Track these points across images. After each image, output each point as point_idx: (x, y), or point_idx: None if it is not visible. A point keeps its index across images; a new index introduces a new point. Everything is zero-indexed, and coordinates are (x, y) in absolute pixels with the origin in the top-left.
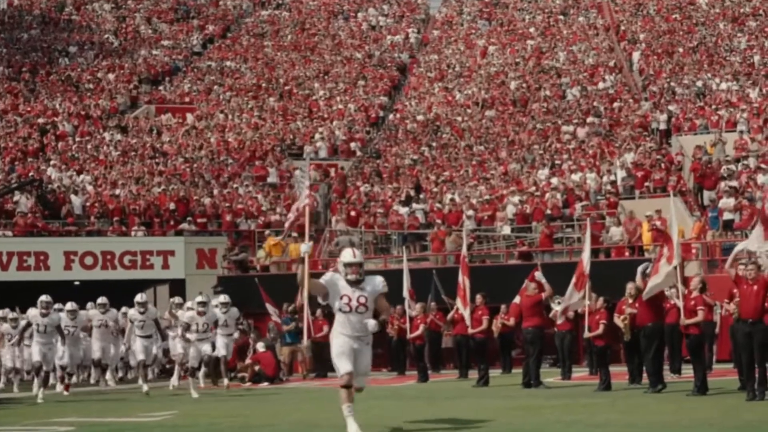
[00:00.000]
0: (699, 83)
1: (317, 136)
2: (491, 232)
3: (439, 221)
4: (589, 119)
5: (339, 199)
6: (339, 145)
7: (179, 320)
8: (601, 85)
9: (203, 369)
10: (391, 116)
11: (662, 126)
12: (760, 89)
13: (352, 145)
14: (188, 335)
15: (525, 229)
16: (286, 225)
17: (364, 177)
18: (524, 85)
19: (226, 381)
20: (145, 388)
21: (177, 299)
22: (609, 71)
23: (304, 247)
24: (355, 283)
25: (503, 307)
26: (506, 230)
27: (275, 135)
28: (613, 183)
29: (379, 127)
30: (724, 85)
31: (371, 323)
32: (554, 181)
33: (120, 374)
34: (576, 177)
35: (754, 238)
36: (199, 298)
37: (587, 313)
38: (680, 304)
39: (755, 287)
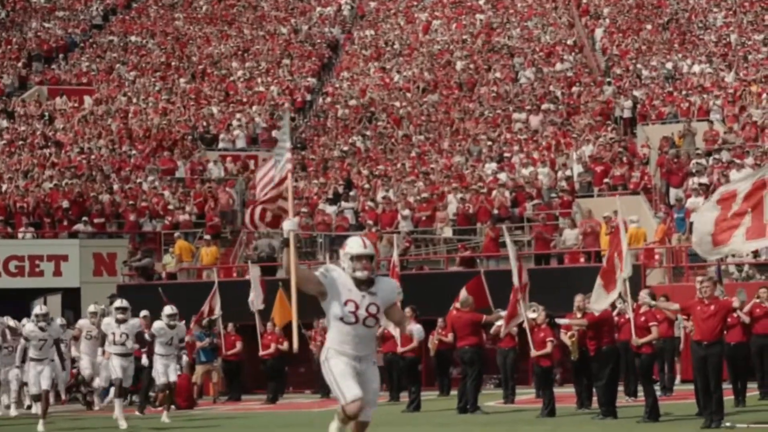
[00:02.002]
0: (669, 65)
1: (234, 123)
2: (430, 235)
3: (371, 222)
4: (544, 106)
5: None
6: (259, 133)
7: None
8: (558, 66)
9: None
10: (319, 101)
11: (626, 114)
12: (736, 72)
13: (274, 133)
14: (108, 348)
15: (468, 232)
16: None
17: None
18: (472, 66)
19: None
20: (41, 428)
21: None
22: (568, 51)
23: (288, 224)
24: (364, 285)
25: (440, 321)
26: (447, 232)
27: (186, 122)
28: (569, 179)
29: (305, 114)
30: (696, 68)
31: (416, 328)
32: (502, 176)
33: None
34: (527, 172)
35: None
36: (117, 303)
37: (530, 329)
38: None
39: (712, 307)
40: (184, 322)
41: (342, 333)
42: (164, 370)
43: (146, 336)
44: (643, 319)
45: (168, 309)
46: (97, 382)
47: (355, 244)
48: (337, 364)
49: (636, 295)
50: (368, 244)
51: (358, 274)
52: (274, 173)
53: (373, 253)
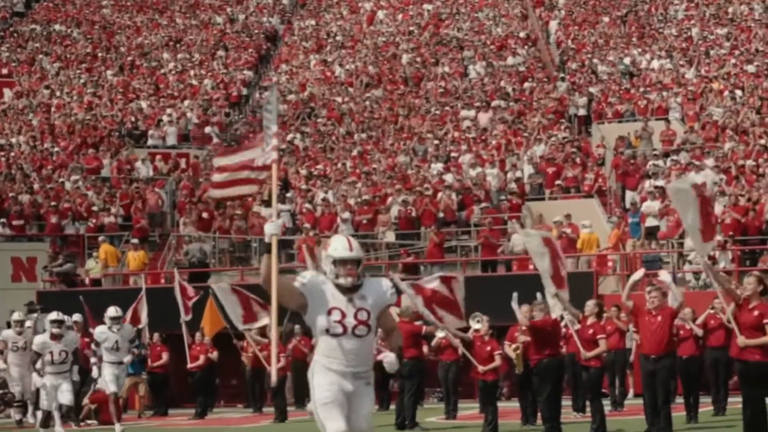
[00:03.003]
0: (626, 60)
1: (165, 118)
2: (371, 239)
3: (308, 225)
4: (495, 103)
5: (189, 198)
6: (191, 130)
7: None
8: (510, 60)
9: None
10: (256, 95)
11: (581, 112)
12: (698, 68)
13: (208, 129)
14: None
15: (411, 236)
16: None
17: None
18: (418, 59)
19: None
20: None
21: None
22: (521, 44)
23: (271, 227)
24: (350, 291)
25: (380, 331)
26: (389, 237)
27: (113, 117)
28: (519, 181)
29: (241, 109)
30: (655, 63)
31: (389, 361)
32: (448, 177)
33: None
34: (475, 173)
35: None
36: (53, 316)
37: (473, 342)
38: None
39: (659, 318)
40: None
41: (330, 347)
42: (112, 379)
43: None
44: (590, 331)
45: (112, 311)
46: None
47: (339, 246)
48: (321, 386)
49: (584, 305)
50: (355, 246)
51: (342, 281)
52: (256, 155)
53: (361, 256)
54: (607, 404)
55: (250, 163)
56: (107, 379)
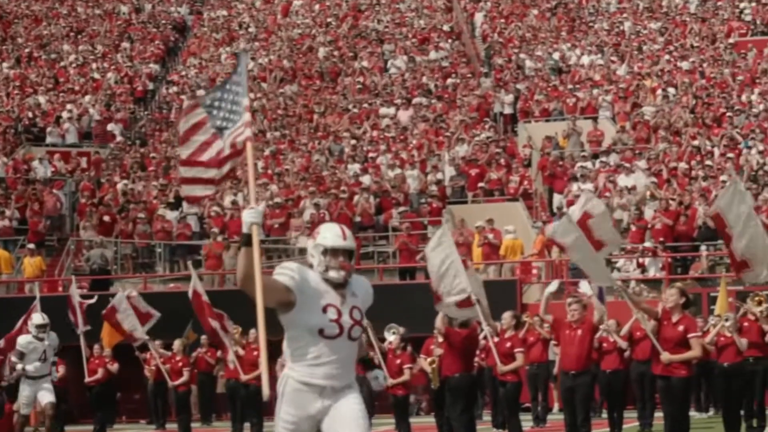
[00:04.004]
0: (555, 56)
1: (65, 115)
2: (283, 245)
3: (216, 230)
4: (416, 100)
5: (89, 200)
6: (93, 127)
7: None
8: (433, 55)
9: None
10: (163, 90)
11: (507, 110)
12: (629, 65)
13: (111, 127)
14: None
15: None
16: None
17: (124, 170)
18: (336, 53)
19: None
20: None
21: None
22: (444, 38)
23: (250, 214)
24: (341, 287)
25: None
26: (302, 242)
27: (8, 113)
28: (440, 183)
29: (146, 105)
30: (585, 59)
31: (381, 378)
32: (366, 179)
33: None
34: (393, 174)
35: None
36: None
37: (387, 354)
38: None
39: (579, 332)
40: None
41: (318, 352)
42: (44, 393)
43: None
44: (508, 344)
45: (38, 318)
46: None
47: (330, 234)
48: (284, 418)
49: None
50: (348, 235)
51: (333, 274)
52: (222, 141)
53: (354, 246)
54: (529, 420)
55: (218, 159)
56: (30, 395)
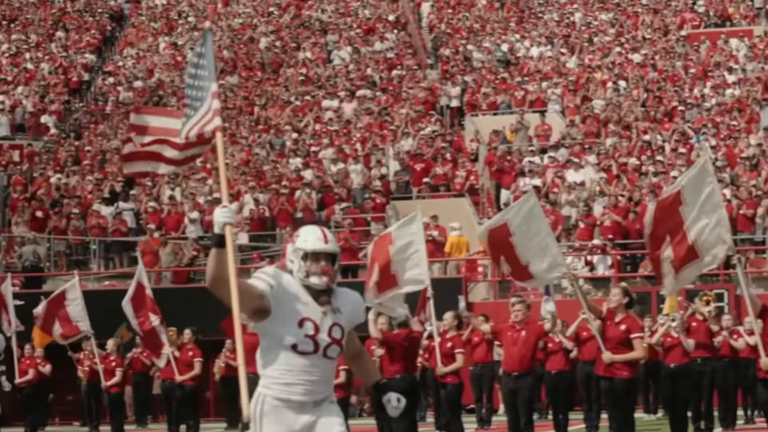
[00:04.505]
0: (503, 47)
1: None
2: None
3: (153, 226)
4: (360, 92)
5: (22, 194)
6: (26, 119)
7: None
8: (378, 46)
9: None
10: (99, 81)
11: (453, 103)
12: (579, 57)
13: (45, 119)
14: None
15: (265, 238)
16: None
17: (58, 164)
18: (278, 43)
19: None
20: None
21: None
22: (390, 28)
23: (222, 213)
24: (324, 294)
25: (228, 342)
26: (242, 239)
27: None
28: (384, 178)
29: (82, 96)
30: (534, 51)
31: (394, 401)
32: (308, 174)
33: None
34: (336, 169)
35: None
36: None
37: None
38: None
39: (523, 333)
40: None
41: (292, 368)
42: None
43: None
44: (449, 345)
45: None
46: None
47: (311, 237)
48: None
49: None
50: (330, 238)
51: (315, 280)
52: (188, 128)
53: (338, 250)
54: (473, 422)
55: (168, 136)
56: None
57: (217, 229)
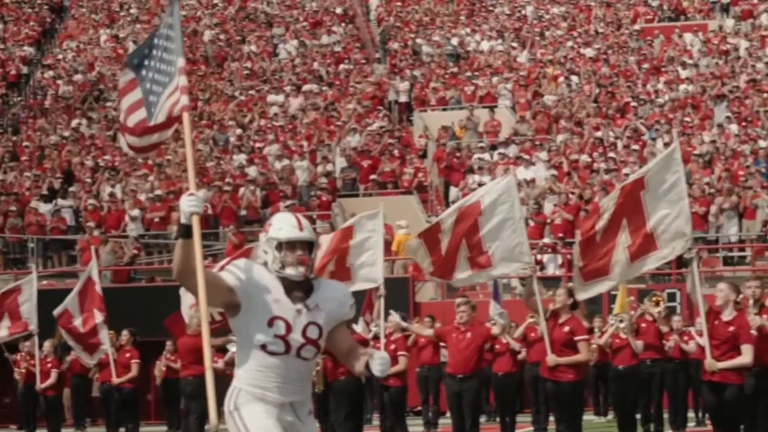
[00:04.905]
0: (453, 41)
1: None
2: (164, 240)
3: (92, 224)
4: (306, 87)
5: None
6: None
7: None
8: (325, 39)
9: None
10: (37, 75)
11: (402, 98)
12: (531, 51)
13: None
14: None
15: (208, 236)
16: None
17: None
18: (222, 36)
19: None
20: None
21: None
22: (337, 21)
23: (189, 202)
24: (299, 290)
25: (169, 344)
26: None
27: None
28: (330, 175)
29: (20, 90)
30: (485, 45)
31: (379, 362)
32: (252, 171)
33: None
34: (281, 166)
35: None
36: None
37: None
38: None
39: (468, 334)
40: None
41: (263, 368)
42: None
43: None
44: (393, 347)
45: None
46: None
47: (285, 224)
48: (254, 415)
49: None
50: (305, 225)
51: (291, 271)
52: (146, 110)
53: (314, 238)
54: (420, 424)
55: (142, 127)
56: None
57: (183, 219)
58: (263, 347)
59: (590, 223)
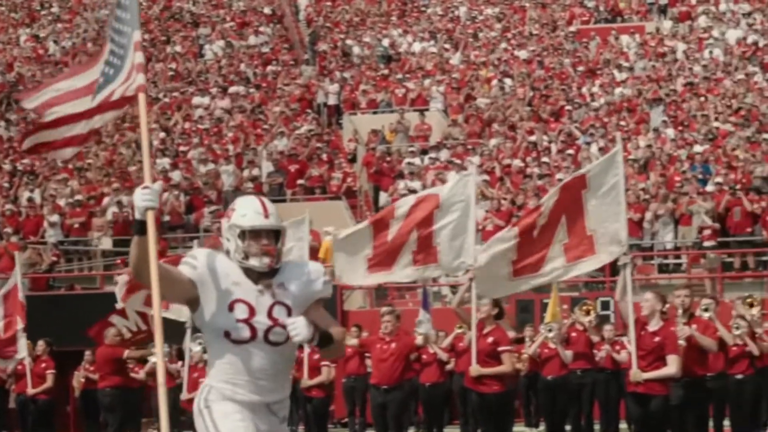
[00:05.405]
0: (385, 42)
1: None
2: (84, 246)
3: (10, 230)
4: (233, 89)
5: None
6: None
7: None
8: (252, 40)
9: None
10: None
11: (331, 100)
12: (464, 53)
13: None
14: None
15: (130, 243)
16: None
17: None
18: (146, 36)
19: None
20: None
21: None
22: (265, 21)
23: (144, 196)
24: (264, 276)
25: (88, 353)
26: (106, 243)
27: None
28: (256, 180)
29: None
30: (417, 46)
31: (298, 327)
32: (176, 175)
33: None
34: (206, 170)
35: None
36: None
37: (187, 368)
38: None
39: (393, 345)
40: None
41: (232, 360)
42: None
43: None
44: (316, 356)
45: None
46: None
47: (249, 210)
48: (226, 415)
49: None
50: (272, 211)
51: (255, 262)
52: (106, 91)
53: (282, 226)
54: None
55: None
56: None
57: (137, 215)
58: (227, 335)
59: (531, 220)
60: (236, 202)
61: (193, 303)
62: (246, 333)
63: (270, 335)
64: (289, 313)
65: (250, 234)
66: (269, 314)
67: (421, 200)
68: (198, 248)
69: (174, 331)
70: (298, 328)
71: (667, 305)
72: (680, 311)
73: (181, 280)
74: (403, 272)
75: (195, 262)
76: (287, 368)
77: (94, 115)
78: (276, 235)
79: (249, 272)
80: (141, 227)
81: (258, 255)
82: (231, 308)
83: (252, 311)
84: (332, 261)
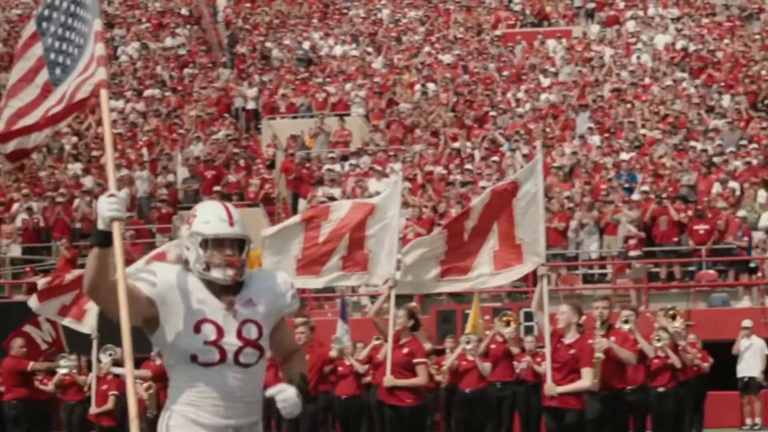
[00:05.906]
0: (305, 45)
1: None
2: None
3: None
4: (148, 92)
5: None
6: None
7: None
8: (168, 42)
9: None
10: None
11: (249, 105)
12: (386, 57)
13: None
14: None
15: (40, 250)
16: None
17: None
18: None
19: None
20: None
21: None
22: (182, 22)
23: (109, 206)
24: (229, 290)
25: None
26: (15, 251)
27: None
28: (171, 186)
29: None
30: (338, 49)
31: (286, 399)
32: (88, 181)
33: None
34: (119, 175)
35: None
36: None
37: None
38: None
39: (306, 357)
40: None
41: (198, 384)
42: None
43: None
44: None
45: None
46: None
47: (212, 217)
48: None
49: None
50: (237, 218)
51: (217, 274)
52: (64, 85)
53: (247, 235)
54: None
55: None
56: None
57: (101, 225)
58: (194, 359)
59: (460, 222)
60: (198, 207)
61: (151, 323)
62: (215, 356)
63: (240, 357)
64: (260, 332)
65: (213, 243)
66: (239, 334)
67: (357, 206)
68: (157, 263)
69: (83, 341)
70: (289, 406)
71: (584, 317)
72: (598, 323)
73: (139, 297)
74: (329, 276)
75: (153, 278)
76: (258, 389)
77: (59, 121)
78: (241, 244)
79: (211, 285)
80: (105, 238)
81: (221, 266)
82: (197, 329)
83: (220, 332)
84: (250, 269)
